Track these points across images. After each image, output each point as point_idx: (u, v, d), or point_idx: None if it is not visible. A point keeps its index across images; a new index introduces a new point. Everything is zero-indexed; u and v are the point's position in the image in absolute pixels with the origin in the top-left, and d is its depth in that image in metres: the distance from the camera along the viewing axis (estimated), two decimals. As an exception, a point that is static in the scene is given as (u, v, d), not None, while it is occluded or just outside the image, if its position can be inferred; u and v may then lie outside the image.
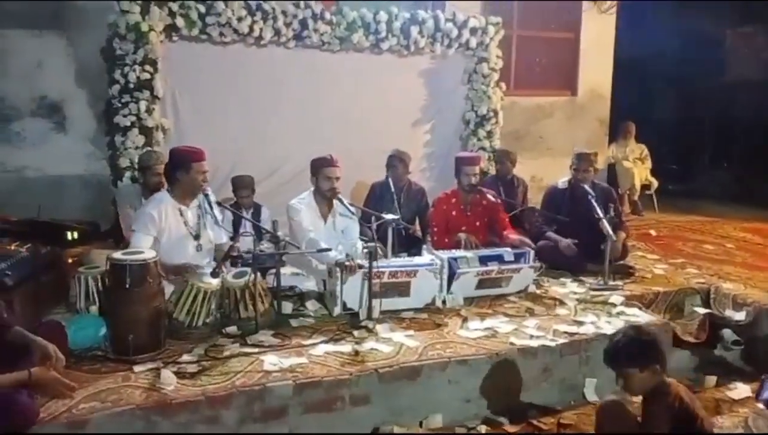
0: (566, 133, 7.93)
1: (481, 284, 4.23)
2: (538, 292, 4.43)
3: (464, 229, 4.76)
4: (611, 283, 4.58)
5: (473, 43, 6.45)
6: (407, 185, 5.45)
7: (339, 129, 5.96)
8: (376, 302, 3.78)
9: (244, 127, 5.79)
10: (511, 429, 3.28)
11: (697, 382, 3.85)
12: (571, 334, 3.68)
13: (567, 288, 4.55)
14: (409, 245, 4.89)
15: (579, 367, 3.62)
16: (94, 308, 3.51)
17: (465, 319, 3.86)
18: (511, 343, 3.52)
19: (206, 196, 3.90)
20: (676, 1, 9.06)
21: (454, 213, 4.85)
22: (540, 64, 7.97)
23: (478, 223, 4.86)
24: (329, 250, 3.91)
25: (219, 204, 4.03)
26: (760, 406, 3.32)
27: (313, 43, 5.84)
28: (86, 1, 5.72)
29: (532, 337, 3.62)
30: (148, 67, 5.20)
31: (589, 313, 4.04)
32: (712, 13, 9.13)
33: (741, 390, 3.75)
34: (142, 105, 5.20)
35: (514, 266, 4.28)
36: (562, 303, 4.23)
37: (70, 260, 4.24)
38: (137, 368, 3.03)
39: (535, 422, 3.34)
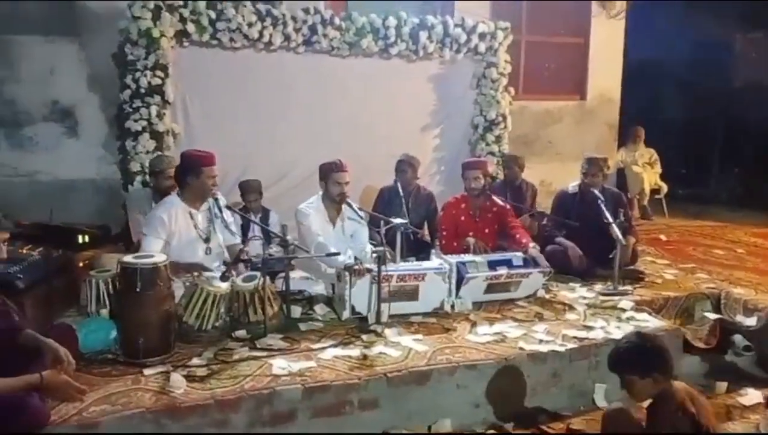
0: (575, 138, 7.92)
1: (489, 289, 4.21)
2: (547, 296, 4.41)
3: (472, 234, 4.74)
4: (621, 288, 4.55)
5: (482, 48, 6.45)
6: (416, 190, 5.45)
7: (348, 134, 5.98)
8: (384, 306, 3.78)
9: (254, 132, 5.81)
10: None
11: (707, 387, 3.82)
12: (581, 339, 3.66)
13: (576, 293, 4.53)
14: (418, 250, 4.89)
15: (588, 372, 3.60)
16: (104, 311, 3.52)
17: (474, 324, 3.86)
18: (520, 348, 3.51)
19: (216, 200, 3.93)
20: (685, 6, 9.03)
21: (462, 218, 4.85)
22: (549, 69, 7.97)
23: (487, 230, 4.83)
24: (338, 254, 3.91)
25: (228, 208, 4.06)
26: (772, 412, 3.30)
27: (322, 48, 5.86)
28: (98, 1, 5.77)
29: (541, 341, 3.60)
30: (159, 73, 5.24)
31: (599, 318, 4.02)
32: (721, 18, 9.10)
33: (752, 396, 3.72)
34: (153, 110, 5.24)
35: (523, 271, 4.26)
36: (571, 308, 4.21)
37: (81, 264, 4.25)
38: (147, 371, 3.04)
39: (544, 428, 3.32)
